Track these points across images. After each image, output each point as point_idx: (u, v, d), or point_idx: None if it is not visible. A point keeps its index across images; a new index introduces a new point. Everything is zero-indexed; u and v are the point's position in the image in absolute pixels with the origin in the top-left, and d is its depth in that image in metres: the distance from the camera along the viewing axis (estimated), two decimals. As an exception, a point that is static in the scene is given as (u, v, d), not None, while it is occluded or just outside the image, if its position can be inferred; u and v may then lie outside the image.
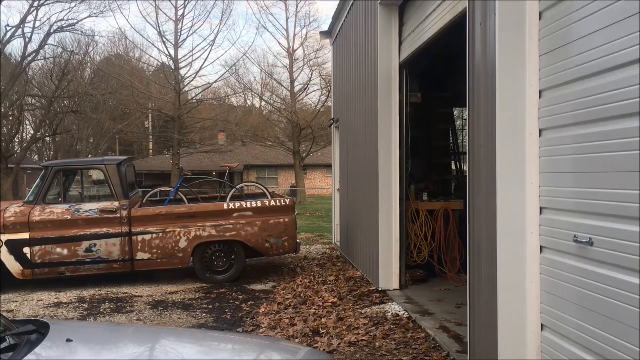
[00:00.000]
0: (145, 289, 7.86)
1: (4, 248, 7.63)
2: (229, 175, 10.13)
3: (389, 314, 6.00)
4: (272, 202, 8.30)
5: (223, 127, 37.55)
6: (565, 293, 3.14)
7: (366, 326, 5.53)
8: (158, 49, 49.80)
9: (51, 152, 39.71)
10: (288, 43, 30.64)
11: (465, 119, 4.65)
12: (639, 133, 2.54)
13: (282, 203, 8.33)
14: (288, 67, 31.04)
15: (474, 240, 4.01)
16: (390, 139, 6.83)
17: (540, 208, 3.42)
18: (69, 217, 7.80)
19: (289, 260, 9.87)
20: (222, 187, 10.53)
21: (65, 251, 7.76)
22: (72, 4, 29.42)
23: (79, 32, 28.38)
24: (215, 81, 33.62)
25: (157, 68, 33.00)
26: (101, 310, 6.75)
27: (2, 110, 25.34)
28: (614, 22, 2.70)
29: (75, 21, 27.29)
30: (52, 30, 26.29)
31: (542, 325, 3.42)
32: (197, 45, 46.17)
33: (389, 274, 6.88)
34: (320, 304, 6.50)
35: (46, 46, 27.60)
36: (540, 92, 3.39)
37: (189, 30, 36.72)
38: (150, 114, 34.61)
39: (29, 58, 26.80)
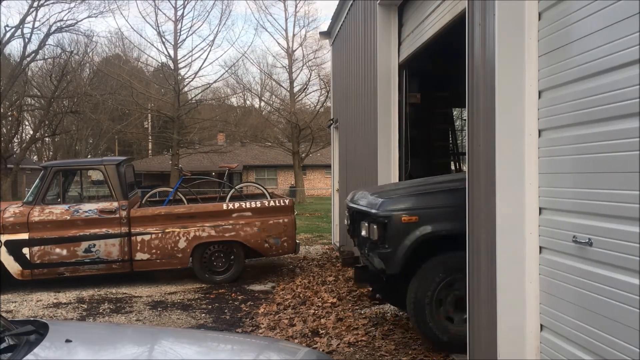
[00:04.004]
0: (145, 289, 7.86)
1: (3, 248, 7.63)
2: (228, 176, 10.12)
3: (389, 314, 6.00)
4: (272, 203, 8.30)
5: (222, 128, 37.53)
6: (564, 294, 3.14)
7: (365, 327, 5.53)
8: (157, 50, 49.80)
9: (50, 153, 39.67)
10: (287, 43, 30.70)
11: (465, 119, 4.64)
12: (639, 134, 2.54)
13: (282, 203, 8.33)
14: (287, 67, 31.07)
15: (474, 241, 4.00)
16: (389, 139, 6.83)
17: (540, 208, 3.41)
18: (68, 217, 7.80)
19: (289, 261, 9.87)
20: (221, 188, 10.51)
21: (64, 252, 7.76)
22: (72, 5, 29.48)
23: (78, 33, 28.27)
24: (215, 82, 33.53)
25: (157, 68, 32.99)
26: (100, 310, 6.75)
27: (2, 110, 25.32)
28: (613, 23, 2.70)
29: (74, 21, 27.26)
30: (51, 31, 26.28)
31: (541, 325, 3.41)
32: (197, 45, 46.00)
33: (389, 275, 6.86)
34: (320, 304, 6.50)
35: (45, 47, 27.62)
36: (539, 92, 3.39)
37: (189, 31, 36.79)
38: (149, 115, 34.59)
39: (29, 58, 26.78)
